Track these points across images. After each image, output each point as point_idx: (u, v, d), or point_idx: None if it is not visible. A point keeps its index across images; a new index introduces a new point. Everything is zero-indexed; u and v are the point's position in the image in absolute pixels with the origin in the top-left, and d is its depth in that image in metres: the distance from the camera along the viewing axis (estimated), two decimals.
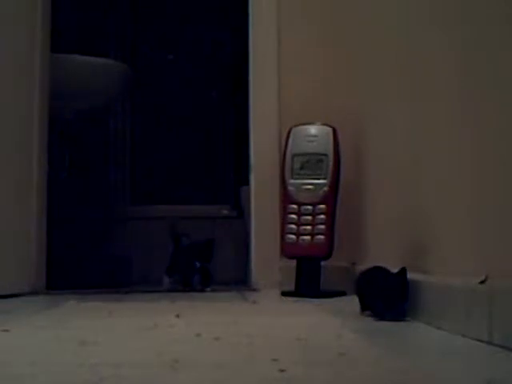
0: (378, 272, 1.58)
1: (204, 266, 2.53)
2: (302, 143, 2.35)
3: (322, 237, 2.26)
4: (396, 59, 1.92)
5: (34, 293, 2.43)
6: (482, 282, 1.20)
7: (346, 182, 2.35)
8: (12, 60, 2.44)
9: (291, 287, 2.28)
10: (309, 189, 2.30)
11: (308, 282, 2.27)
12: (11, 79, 2.44)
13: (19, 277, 2.42)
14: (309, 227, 2.27)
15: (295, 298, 2.18)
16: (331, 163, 2.29)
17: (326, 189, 2.28)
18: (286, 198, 2.34)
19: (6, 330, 1.39)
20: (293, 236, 2.29)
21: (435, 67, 1.56)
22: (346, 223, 2.37)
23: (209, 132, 3.91)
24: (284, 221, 2.34)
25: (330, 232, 2.27)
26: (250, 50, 2.70)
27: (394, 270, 1.53)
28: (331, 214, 2.28)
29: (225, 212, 3.69)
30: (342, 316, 1.66)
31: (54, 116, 2.75)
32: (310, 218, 2.28)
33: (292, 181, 2.33)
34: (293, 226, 2.30)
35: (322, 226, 2.26)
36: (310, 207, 2.28)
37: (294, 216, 2.30)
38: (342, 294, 2.18)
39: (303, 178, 2.31)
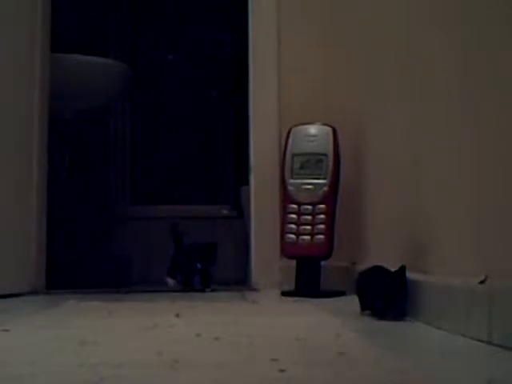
0: (378, 271, 1.58)
1: (205, 267, 2.53)
2: (302, 143, 2.35)
3: (321, 237, 2.26)
4: (396, 59, 1.92)
5: (33, 292, 2.43)
6: (481, 282, 1.20)
7: (346, 182, 2.35)
8: (12, 60, 2.44)
9: (291, 287, 2.29)
10: (309, 189, 2.30)
11: (308, 281, 2.27)
12: (11, 79, 2.44)
13: (19, 277, 2.42)
14: (309, 227, 2.27)
15: (295, 298, 2.18)
16: (331, 163, 2.29)
17: (325, 189, 2.28)
18: (286, 197, 2.34)
19: (6, 330, 1.39)
20: (293, 236, 2.30)
21: (435, 67, 1.56)
22: (345, 223, 2.37)
23: (209, 132, 3.91)
24: (284, 221, 2.34)
25: (329, 232, 2.27)
26: (250, 50, 2.70)
27: (394, 270, 1.53)
28: (331, 214, 2.28)
29: (225, 212, 3.69)
30: (342, 316, 1.66)
31: (54, 116, 2.75)
32: (309, 217, 2.28)
33: (292, 181, 2.33)
34: (293, 226, 2.30)
35: (322, 226, 2.27)
36: (309, 207, 2.28)
37: (293, 216, 2.30)
38: (341, 293, 2.18)
39: (303, 178, 2.31)
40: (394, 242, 1.91)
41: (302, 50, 2.63)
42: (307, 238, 2.27)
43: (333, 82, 2.58)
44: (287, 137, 2.38)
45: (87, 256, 3.13)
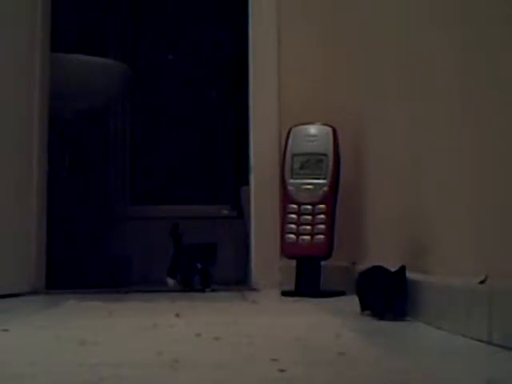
0: (378, 271, 1.58)
1: (205, 267, 2.53)
2: (302, 143, 2.35)
3: (321, 236, 2.26)
4: (396, 59, 1.92)
5: (33, 292, 2.43)
6: (481, 282, 1.20)
7: (346, 182, 2.35)
8: (12, 60, 2.44)
9: (291, 287, 2.29)
10: (309, 189, 2.30)
11: (308, 281, 2.27)
12: (11, 79, 2.44)
13: (19, 276, 2.42)
14: (308, 227, 2.27)
15: (295, 298, 2.18)
16: (331, 163, 2.29)
17: (325, 189, 2.28)
18: (286, 197, 2.34)
19: (6, 330, 1.39)
20: (293, 236, 2.30)
21: (435, 67, 1.56)
22: (345, 223, 2.37)
23: (209, 132, 3.91)
24: (284, 220, 2.34)
25: (329, 232, 2.27)
26: (250, 50, 2.70)
27: (394, 270, 1.53)
28: (331, 214, 2.28)
29: (225, 212, 3.69)
30: (342, 316, 1.66)
31: (54, 116, 2.75)
32: (309, 217, 2.28)
33: (292, 181, 2.33)
34: (293, 226, 2.30)
35: (322, 226, 2.27)
36: (309, 207, 2.28)
37: (293, 216, 2.30)
38: (341, 293, 2.18)
39: (303, 178, 2.31)
40: (394, 242, 1.91)
41: (302, 50, 2.63)
42: (307, 238, 2.27)
43: (333, 82, 2.58)
44: (287, 137, 2.38)
45: (87, 256, 3.13)
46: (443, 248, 1.51)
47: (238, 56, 3.43)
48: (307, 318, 1.69)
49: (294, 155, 2.34)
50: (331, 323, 1.56)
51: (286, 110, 2.60)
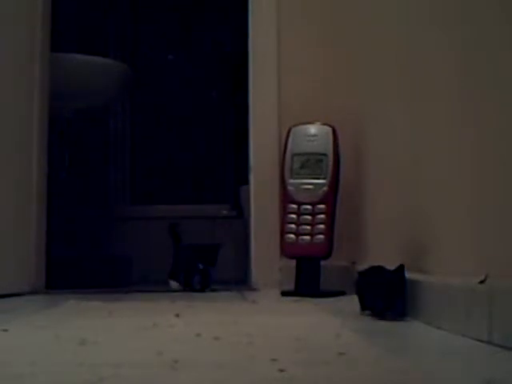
0: (377, 271, 1.58)
1: (206, 267, 2.53)
2: (302, 143, 2.35)
3: (321, 236, 2.26)
4: (396, 59, 1.92)
5: (33, 292, 2.43)
6: (481, 282, 1.20)
7: (346, 182, 2.35)
8: (12, 60, 2.44)
9: (291, 287, 2.28)
10: (308, 188, 2.30)
11: (308, 281, 2.27)
12: (11, 79, 2.44)
13: (19, 276, 2.42)
14: (308, 227, 2.27)
15: (295, 298, 2.18)
16: (331, 163, 2.29)
17: (325, 188, 2.28)
18: (286, 197, 2.34)
19: (6, 330, 1.39)
20: (292, 236, 2.29)
21: (435, 67, 1.55)
22: (345, 223, 2.37)
23: (209, 132, 3.91)
24: (284, 220, 2.34)
25: (329, 232, 2.27)
26: (250, 50, 2.70)
27: (392, 268, 1.53)
28: (331, 214, 2.28)
29: (225, 212, 3.69)
30: (342, 316, 1.66)
31: (54, 116, 2.75)
32: (309, 217, 2.28)
33: (292, 180, 2.33)
34: (292, 226, 2.30)
35: (322, 226, 2.26)
36: (309, 207, 2.28)
37: (293, 216, 2.30)
38: (341, 293, 2.18)
39: (303, 178, 2.31)
40: (394, 242, 1.91)
41: (302, 50, 2.63)
42: (307, 237, 2.27)
43: (333, 81, 2.58)
44: (287, 137, 2.38)
45: (87, 256, 3.13)
46: (443, 248, 1.51)
47: (238, 56, 3.43)
48: (307, 317, 1.69)
49: (293, 155, 2.34)
50: (331, 323, 1.56)
51: (285, 109, 2.59)
